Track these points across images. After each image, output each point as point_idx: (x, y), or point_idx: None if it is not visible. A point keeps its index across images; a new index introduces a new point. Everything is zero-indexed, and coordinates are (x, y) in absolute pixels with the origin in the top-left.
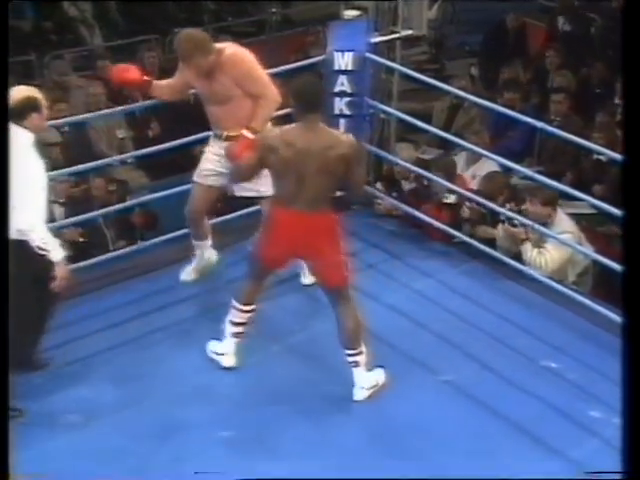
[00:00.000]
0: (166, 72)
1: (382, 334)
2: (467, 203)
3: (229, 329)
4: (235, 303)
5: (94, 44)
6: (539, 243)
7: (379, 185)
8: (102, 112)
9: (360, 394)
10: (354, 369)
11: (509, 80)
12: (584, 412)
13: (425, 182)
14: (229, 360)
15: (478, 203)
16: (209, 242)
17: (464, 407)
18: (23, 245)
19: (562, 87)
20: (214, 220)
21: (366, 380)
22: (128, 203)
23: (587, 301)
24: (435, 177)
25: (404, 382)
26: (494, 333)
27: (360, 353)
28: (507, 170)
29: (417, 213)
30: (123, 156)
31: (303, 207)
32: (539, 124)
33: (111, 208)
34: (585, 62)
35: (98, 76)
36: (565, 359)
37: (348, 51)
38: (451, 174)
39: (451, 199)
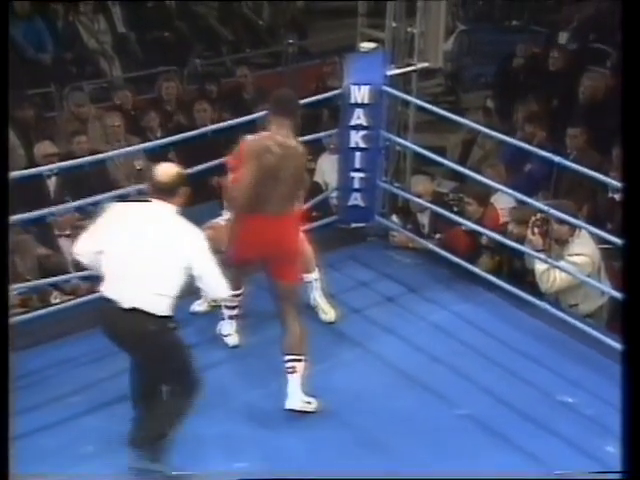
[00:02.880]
0: (184, 103)
1: (398, 366)
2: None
3: (226, 312)
4: None
5: (113, 76)
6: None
7: (395, 217)
8: (123, 150)
9: (292, 403)
10: (290, 375)
11: (530, 113)
12: (600, 447)
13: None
14: (233, 339)
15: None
16: None
17: (480, 441)
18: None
19: (579, 117)
20: None
21: (300, 391)
22: None
23: (602, 336)
24: (444, 210)
25: (420, 415)
26: (510, 366)
27: (300, 360)
28: (523, 203)
29: (432, 246)
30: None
31: (274, 212)
32: (556, 158)
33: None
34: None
35: (116, 107)
36: (581, 394)
37: (364, 84)
38: (483, 202)
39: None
